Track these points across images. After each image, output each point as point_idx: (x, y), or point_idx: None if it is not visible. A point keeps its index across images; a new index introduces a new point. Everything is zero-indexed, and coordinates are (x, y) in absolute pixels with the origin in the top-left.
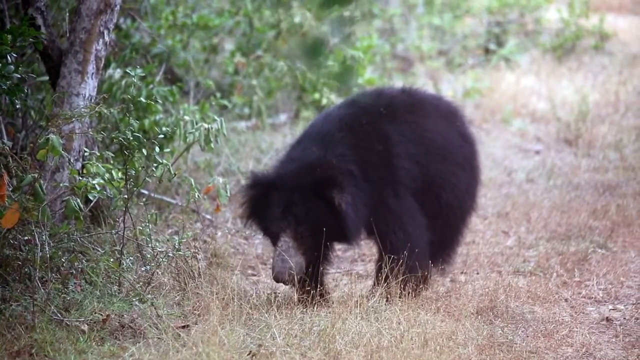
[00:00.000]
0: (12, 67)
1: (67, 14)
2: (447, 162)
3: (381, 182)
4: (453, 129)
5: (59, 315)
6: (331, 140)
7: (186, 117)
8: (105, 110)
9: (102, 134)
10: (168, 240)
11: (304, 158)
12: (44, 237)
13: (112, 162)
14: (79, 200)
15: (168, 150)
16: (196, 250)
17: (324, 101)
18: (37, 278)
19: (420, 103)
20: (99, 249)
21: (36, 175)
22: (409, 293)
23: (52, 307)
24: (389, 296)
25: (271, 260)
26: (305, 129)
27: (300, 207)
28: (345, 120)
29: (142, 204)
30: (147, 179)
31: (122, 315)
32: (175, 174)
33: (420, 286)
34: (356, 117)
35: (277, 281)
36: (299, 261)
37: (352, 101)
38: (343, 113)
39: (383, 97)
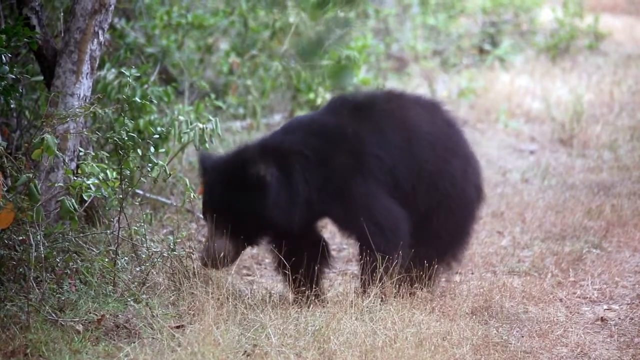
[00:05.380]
0: (6, 67)
1: (62, 14)
2: (437, 149)
3: (348, 169)
4: (437, 117)
5: (54, 315)
6: (297, 127)
7: (181, 117)
8: (100, 110)
9: (96, 134)
10: (163, 240)
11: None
12: (38, 237)
13: (106, 162)
14: (73, 200)
15: (163, 150)
16: (191, 250)
17: (319, 101)
18: (31, 278)
19: (400, 95)
20: (94, 249)
21: (31, 175)
22: (404, 292)
23: (47, 307)
24: (383, 296)
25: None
26: None
27: (219, 191)
28: (320, 112)
29: (137, 204)
30: (142, 179)
31: (117, 315)
32: (170, 174)
33: (415, 285)
34: (333, 108)
35: (203, 266)
36: (223, 245)
37: (335, 98)
38: (324, 107)
39: (363, 92)
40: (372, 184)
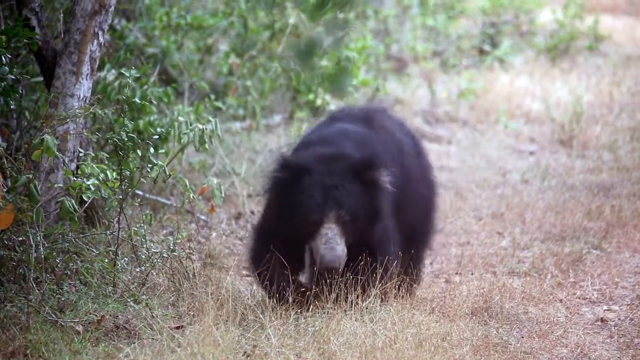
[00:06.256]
0: (6, 68)
1: (62, 15)
2: (413, 156)
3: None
4: (400, 123)
5: (54, 316)
6: (339, 137)
7: (181, 118)
8: (100, 111)
9: (96, 134)
10: (163, 241)
11: (335, 148)
12: (38, 237)
13: (106, 162)
14: (73, 201)
15: (162, 151)
16: (191, 251)
17: (319, 102)
18: (31, 279)
19: (372, 108)
20: (94, 250)
21: (31, 176)
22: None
23: (47, 308)
24: (383, 296)
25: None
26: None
27: (342, 191)
28: (342, 121)
29: (136, 204)
30: (141, 179)
31: (117, 316)
32: (169, 175)
33: (414, 285)
34: (351, 117)
35: (329, 271)
36: (344, 249)
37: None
38: (333, 116)
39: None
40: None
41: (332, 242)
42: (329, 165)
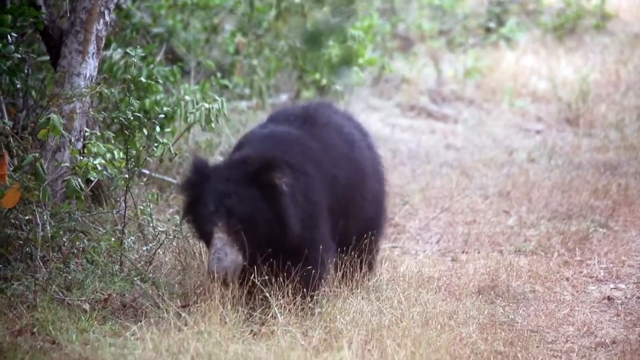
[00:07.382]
0: (12, 47)
1: None
2: (366, 151)
3: (315, 186)
4: (349, 118)
5: (61, 295)
6: (267, 140)
7: (187, 97)
8: (106, 90)
9: (102, 113)
10: (169, 219)
11: (248, 152)
12: (45, 216)
13: (113, 141)
14: (80, 180)
15: (169, 130)
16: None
17: (324, 81)
18: (38, 257)
19: (320, 104)
20: (100, 229)
21: (37, 155)
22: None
23: (54, 287)
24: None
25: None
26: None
27: (233, 198)
28: (274, 124)
29: (143, 183)
30: (147, 158)
31: (124, 295)
32: (176, 154)
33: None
34: (284, 120)
35: (217, 280)
36: (235, 259)
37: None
38: (272, 118)
39: (300, 105)
40: (324, 205)
41: (220, 253)
42: (228, 171)
